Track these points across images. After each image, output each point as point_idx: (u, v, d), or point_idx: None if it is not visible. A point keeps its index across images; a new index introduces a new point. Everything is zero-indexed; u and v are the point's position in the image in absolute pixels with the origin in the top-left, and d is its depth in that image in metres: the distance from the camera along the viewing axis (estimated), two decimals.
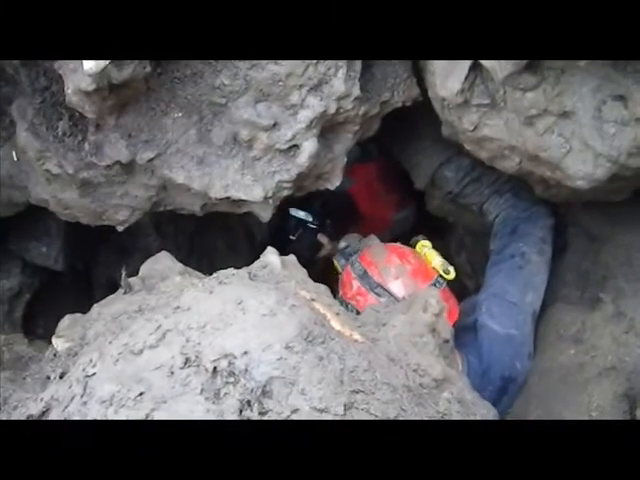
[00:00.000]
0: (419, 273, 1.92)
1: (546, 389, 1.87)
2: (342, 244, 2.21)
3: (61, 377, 1.21)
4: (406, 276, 1.90)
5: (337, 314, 1.27)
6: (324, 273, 2.36)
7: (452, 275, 1.93)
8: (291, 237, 2.58)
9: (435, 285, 1.92)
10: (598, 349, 1.81)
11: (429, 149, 2.36)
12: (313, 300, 1.21)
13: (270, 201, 1.70)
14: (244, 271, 1.28)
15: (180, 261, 2.52)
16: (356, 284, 1.93)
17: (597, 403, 1.69)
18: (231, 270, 1.29)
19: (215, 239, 2.90)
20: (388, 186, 2.91)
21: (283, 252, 1.50)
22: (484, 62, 1.49)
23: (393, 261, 1.92)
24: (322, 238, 2.61)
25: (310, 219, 2.48)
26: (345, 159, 1.80)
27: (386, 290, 1.87)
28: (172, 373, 1.04)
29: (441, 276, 1.93)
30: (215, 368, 1.03)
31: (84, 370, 1.11)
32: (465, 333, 2.02)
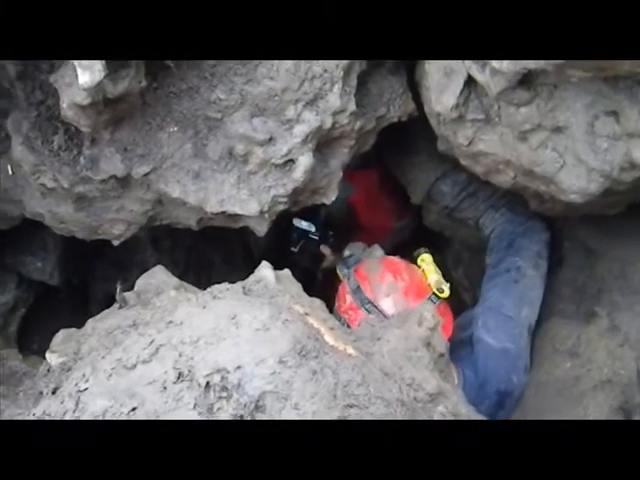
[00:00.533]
0: (411, 291, 1.92)
1: (542, 402, 1.87)
2: (346, 252, 2.21)
3: (54, 392, 1.20)
4: (398, 294, 1.90)
5: (331, 328, 1.26)
6: (326, 284, 2.38)
7: (446, 294, 1.93)
8: (293, 249, 2.57)
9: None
10: (593, 362, 1.81)
11: (425, 164, 2.36)
12: (307, 314, 1.21)
13: (266, 215, 1.70)
14: (238, 286, 1.28)
15: (177, 276, 2.53)
16: (349, 298, 1.94)
17: (593, 416, 1.69)
18: (225, 285, 1.29)
19: (212, 254, 2.89)
20: (388, 194, 2.88)
21: (285, 264, 1.51)
22: (478, 77, 1.50)
23: (386, 278, 1.92)
24: (325, 249, 2.60)
25: (312, 229, 2.47)
26: (341, 174, 1.80)
27: (376, 307, 1.87)
28: (165, 388, 1.04)
29: (435, 294, 1.92)
30: (208, 383, 1.02)
31: (76, 385, 1.10)
32: (461, 347, 2.02)
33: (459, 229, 2.55)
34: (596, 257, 2.06)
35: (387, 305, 1.87)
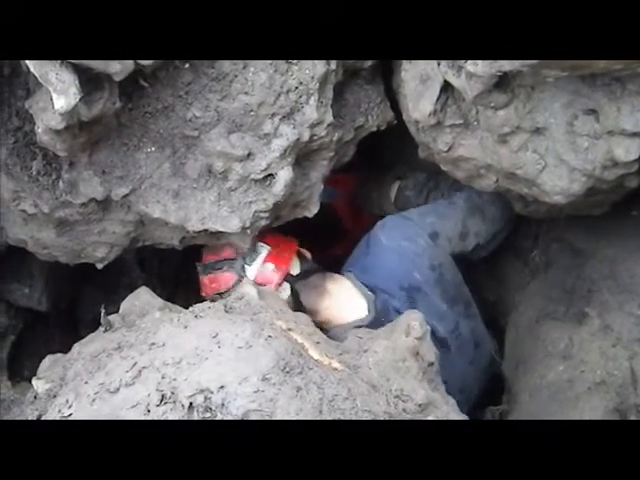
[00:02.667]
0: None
1: (537, 407, 1.85)
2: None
3: (38, 420, 1.20)
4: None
5: (317, 343, 1.26)
6: None
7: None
8: None
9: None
10: (587, 364, 1.79)
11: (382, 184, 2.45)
12: (290, 330, 1.20)
13: (248, 231, 1.69)
14: (220, 304, 1.27)
15: (167, 295, 2.51)
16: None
17: (588, 419, 1.68)
18: (207, 303, 1.28)
19: None
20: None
21: None
22: (454, 82, 1.50)
23: None
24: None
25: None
26: (322, 186, 1.80)
27: None
28: (148, 411, 1.03)
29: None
30: (191, 404, 1.02)
31: (60, 412, 1.10)
32: (357, 251, 2.14)
33: None
34: (584, 258, 2.05)
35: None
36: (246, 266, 1.95)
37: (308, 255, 2.14)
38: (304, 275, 1.99)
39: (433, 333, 1.93)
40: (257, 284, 1.81)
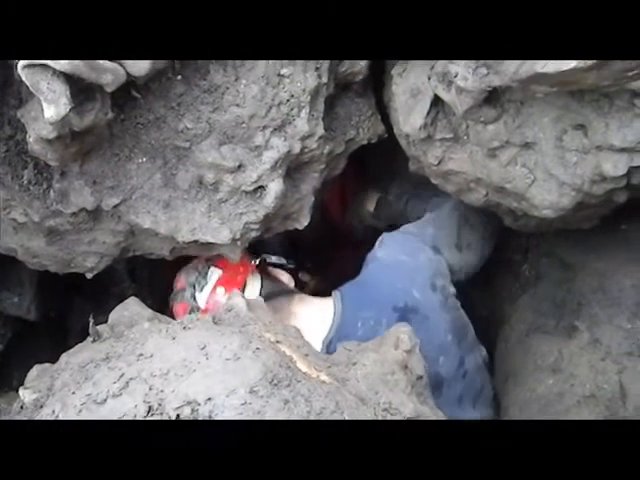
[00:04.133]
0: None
1: None
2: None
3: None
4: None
5: (306, 355, 1.25)
6: None
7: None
8: None
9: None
10: (576, 378, 1.80)
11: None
12: (278, 342, 1.20)
13: (238, 243, 1.69)
14: (209, 315, 1.27)
15: (157, 306, 2.50)
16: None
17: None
18: (196, 314, 1.28)
19: None
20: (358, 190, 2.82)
21: None
22: (444, 97, 1.51)
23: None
24: (304, 277, 2.59)
25: (284, 262, 2.44)
26: (313, 198, 1.80)
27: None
28: None
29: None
30: (178, 416, 1.01)
31: None
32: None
33: None
34: (574, 271, 2.06)
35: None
36: (197, 293, 1.93)
37: (281, 275, 2.08)
38: (266, 297, 1.69)
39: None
40: (205, 311, 1.80)
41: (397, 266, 1.91)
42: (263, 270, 2.04)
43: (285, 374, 1.08)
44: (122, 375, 1.11)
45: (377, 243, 2.00)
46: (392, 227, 2.15)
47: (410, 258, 1.92)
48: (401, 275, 1.90)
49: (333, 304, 1.88)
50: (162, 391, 1.05)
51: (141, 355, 1.15)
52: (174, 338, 1.16)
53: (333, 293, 1.93)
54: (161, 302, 2.68)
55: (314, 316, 1.90)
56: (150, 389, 1.06)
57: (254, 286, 1.93)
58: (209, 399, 1.02)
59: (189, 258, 2.03)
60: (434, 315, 1.87)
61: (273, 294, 1.91)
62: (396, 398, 1.24)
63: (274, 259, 2.42)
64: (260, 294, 1.90)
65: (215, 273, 1.94)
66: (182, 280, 1.97)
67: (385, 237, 2.01)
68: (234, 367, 1.07)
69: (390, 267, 1.92)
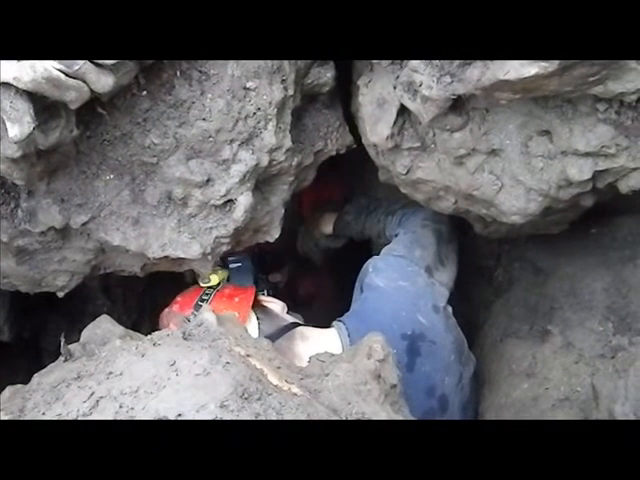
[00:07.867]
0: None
1: None
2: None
3: None
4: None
5: (277, 368, 1.25)
6: None
7: (213, 281, 1.97)
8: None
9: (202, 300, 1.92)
10: (550, 381, 1.81)
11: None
12: (249, 356, 1.19)
13: (209, 257, 1.68)
14: (179, 331, 1.26)
15: (132, 322, 2.49)
16: None
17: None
18: (165, 331, 1.27)
19: (165, 297, 2.85)
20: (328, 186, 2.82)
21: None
22: (410, 106, 1.52)
23: None
24: (275, 278, 2.58)
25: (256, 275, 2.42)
26: (283, 211, 1.80)
27: None
28: None
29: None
30: None
31: None
32: (353, 300, 1.95)
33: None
34: (545, 276, 2.08)
35: None
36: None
37: (275, 307, 1.98)
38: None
39: (433, 390, 1.82)
40: None
41: (398, 293, 1.89)
42: (255, 302, 1.96)
43: (256, 388, 1.08)
44: (92, 394, 1.10)
45: (370, 268, 1.97)
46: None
47: (409, 284, 1.90)
48: (404, 302, 1.88)
49: (339, 338, 1.82)
50: (132, 409, 1.04)
51: (111, 373, 1.14)
52: (144, 355, 1.15)
53: (335, 325, 1.87)
54: (136, 319, 2.68)
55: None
56: (120, 407, 1.05)
57: (250, 328, 1.82)
58: (179, 415, 1.01)
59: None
60: (440, 339, 1.86)
61: (274, 335, 1.80)
62: (369, 408, 1.24)
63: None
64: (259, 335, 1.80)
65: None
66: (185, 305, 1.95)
67: (377, 262, 1.98)
68: (204, 382, 1.06)
69: (391, 295, 1.89)
